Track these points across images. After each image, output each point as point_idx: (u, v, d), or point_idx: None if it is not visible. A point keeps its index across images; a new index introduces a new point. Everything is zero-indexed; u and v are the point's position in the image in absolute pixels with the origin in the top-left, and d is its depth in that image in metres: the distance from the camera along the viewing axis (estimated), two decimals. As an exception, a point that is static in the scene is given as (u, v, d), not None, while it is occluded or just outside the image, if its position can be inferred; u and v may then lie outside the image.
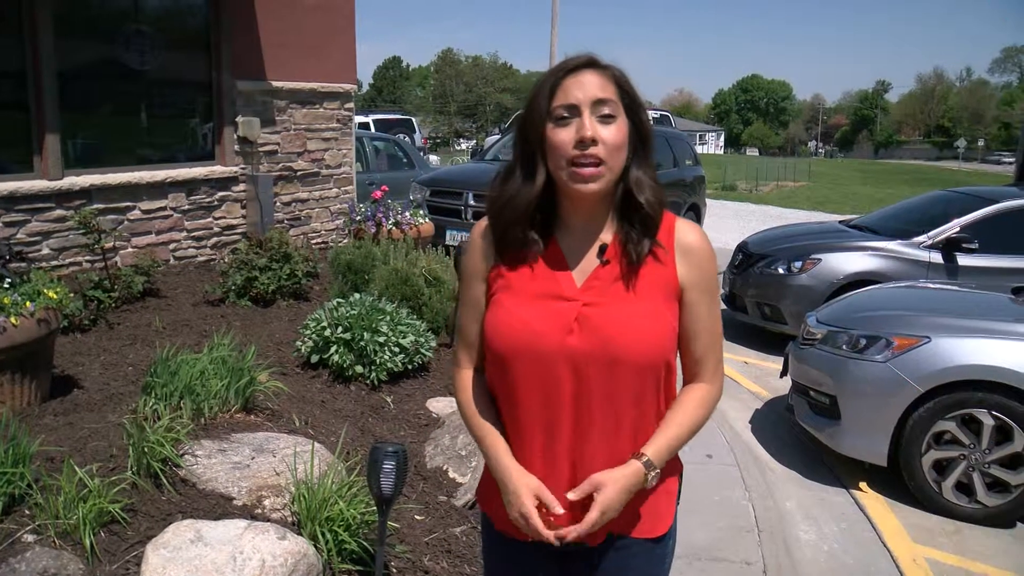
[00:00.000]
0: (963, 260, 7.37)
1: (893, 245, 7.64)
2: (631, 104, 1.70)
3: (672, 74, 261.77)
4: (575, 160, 1.63)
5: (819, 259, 7.67)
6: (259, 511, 3.14)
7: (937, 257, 7.45)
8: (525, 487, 1.70)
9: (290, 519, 3.14)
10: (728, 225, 15.10)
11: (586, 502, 1.69)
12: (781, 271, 7.83)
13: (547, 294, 1.73)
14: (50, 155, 5.74)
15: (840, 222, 9.64)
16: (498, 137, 25.78)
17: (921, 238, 7.59)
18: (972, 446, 4.61)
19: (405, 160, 13.44)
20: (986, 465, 4.59)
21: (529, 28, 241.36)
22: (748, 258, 8.35)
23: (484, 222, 1.83)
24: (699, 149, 55.98)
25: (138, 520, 2.95)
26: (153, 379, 3.58)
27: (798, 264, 7.73)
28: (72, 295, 4.19)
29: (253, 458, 3.41)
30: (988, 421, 4.55)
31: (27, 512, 2.88)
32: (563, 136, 1.64)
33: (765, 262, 8.04)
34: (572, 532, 1.65)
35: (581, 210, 1.74)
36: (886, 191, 33.46)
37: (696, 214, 12.68)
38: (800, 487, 5.02)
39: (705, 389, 1.83)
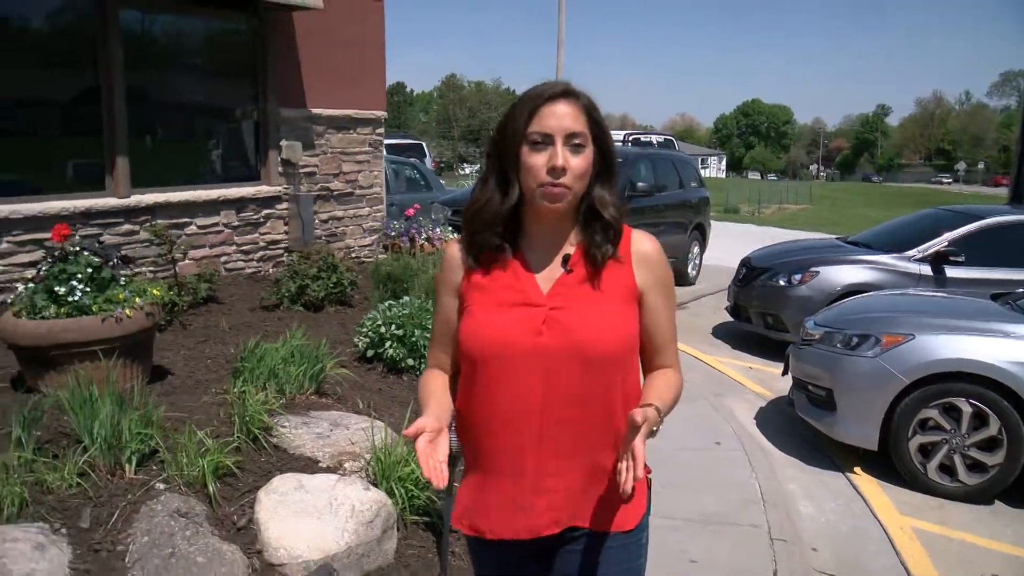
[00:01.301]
0: (951, 272, 7.94)
1: (886, 258, 8.23)
2: (598, 132, 1.84)
3: (674, 98, 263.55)
4: (545, 183, 1.79)
5: (817, 272, 8.26)
6: (341, 472, 3.72)
7: (927, 269, 8.03)
8: (432, 417, 1.77)
9: (368, 479, 3.72)
10: (731, 245, 15.65)
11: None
12: (782, 283, 8.42)
13: (516, 302, 1.86)
14: (120, 175, 6.35)
15: (837, 238, 10.26)
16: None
17: (912, 252, 8.17)
18: (953, 431, 5.17)
19: (423, 182, 14.06)
20: (966, 448, 5.15)
21: (531, 52, 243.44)
22: (751, 272, 8.95)
23: (457, 238, 1.99)
24: (702, 173, 56.86)
25: (245, 474, 3.54)
26: (243, 364, 4.18)
27: (798, 277, 8.32)
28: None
29: (331, 431, 4.00)
30: (967, 408, 5.11)
31: (154, 468, 3.47)
32: (537, 160, 1.78)
33: (767, 275, 8.63)
34: (628, 483, 1.64)
35: (546, 224, 1.89)
36: (886, 213, 34.04)
37: (701, 233, 13.28)
38: (800, 471, 5.59)
39: (672, 371, 1.97)
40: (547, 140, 1.77)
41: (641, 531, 1.97)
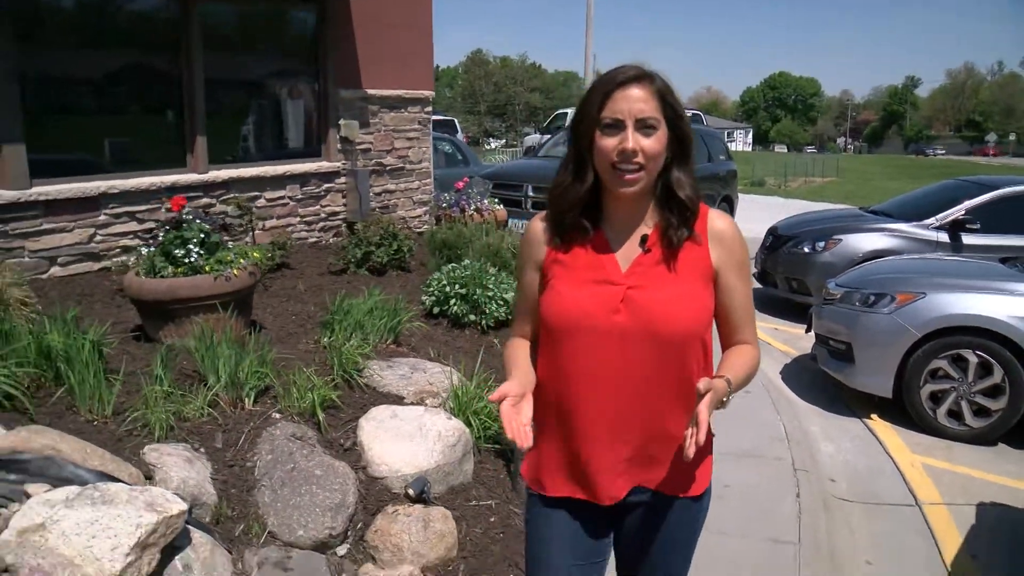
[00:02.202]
0: (967, 239, 8.44)
1: (906, 227, 8.75)
2: (672, 115, 1.89)
3: (700, 72, 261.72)
4: (617, 165, 1.85)
5: (840, 239, 8.79)
6: (424, 406, 4.34)
7: (944, 237, 8.54)
8: (516, 383, 1.88)
9: (447, 411, 4.33)
10: (758, 216, 16.10)
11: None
12: (807, 250, 8.96)
13: (596, 279, 1.93)
14: (199, 153, 6.97)
15: (860, 208, 10.76)
16: (538, 136, 26.84)
17: (930, 220, 8.68)
18: (960, 380, 5.72)
19: (460, 157, 14.65)
20: (972, 395, 5.70)
21: (556, 28, 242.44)
22: (778, 240, 9.49)
23: (540, 216, 2.07)
24: (728, 146, 56.83)
25: (345, 407, 4.17)
26: (332, 317, 4.81)
27: (821, 244, 8.86)
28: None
29: (411, 373, 4.62)
30: (973, 359, 5.66)
31: (268, 401, 4.10)
32: (608, 143, 1.85)
33: (793, 243, 9.17)
34: (691, 448, 1.75)
35: (623, 205, 1.95)
36: (913, 185, 34.15)
37: (729, 205, 13.80)
38: (821, 417, 6.17)
39: (749, 347, 2.04)
40: (618, 124, 1.84)
41: (705, 499, 2.09)
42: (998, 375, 5.60)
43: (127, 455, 3.49)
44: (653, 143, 1.84)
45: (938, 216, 8.68)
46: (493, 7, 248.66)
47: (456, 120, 28.88)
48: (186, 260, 4.54)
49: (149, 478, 3.43)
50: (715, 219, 1.98)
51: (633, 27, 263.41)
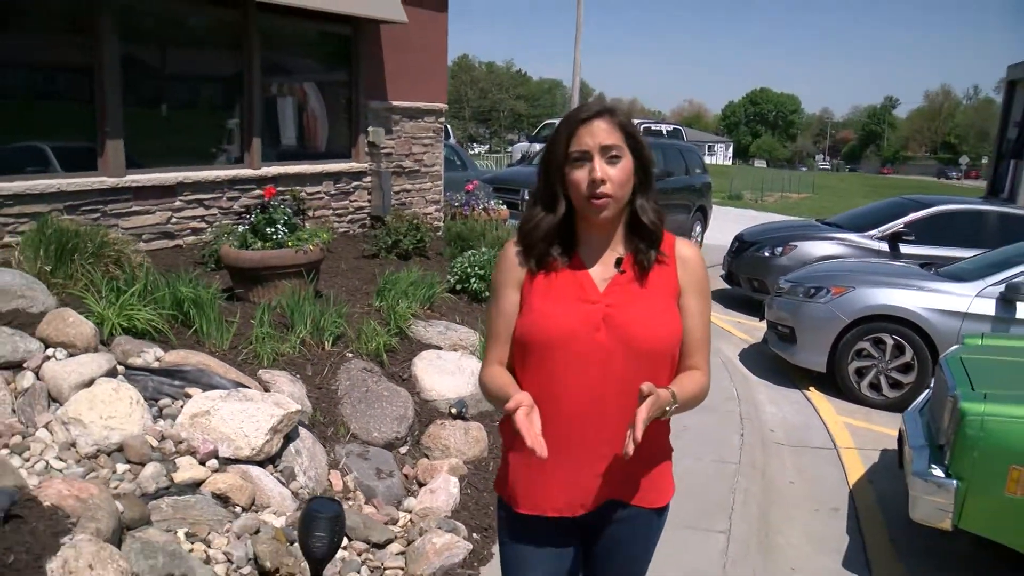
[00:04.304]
0: (904, 249, 9.81)
1: (852, 236, 10.14)
2: (634, 144, 1.98)
3: (683, 85, 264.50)
4: (589, 196, 1.95)
5: (795, 245, 10.18)
6: (459, 352, 5.65)
7: (884, 246, 9.92)
8: (525, 393, 1.90)
9: (477, 357, 5.63)
10: (731, 227, 17.55)
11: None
12: (767, 254, 10.34)
13: (575, 298, 2.01)
14: (255, 152, 8.24)
15: (816, 220, 12.19)
16: (527, 144, 28.10)
17: (873, 232, 10.08)
18: (880, 358, 7.09)
19: (459, 162, 15.93)
20: (888, 371, 7.07)
21: (543, 35, 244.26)
22: (743, 245, 10.88)
23: (513, 241, 2.12)
24: (708, 160, 57.77)
25: (400, 351, 5.47)
26: (384, 285, 6.10)
27: (779, 249, 10.24)
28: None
29: (446, 331, 5.93)
30: (889, 341, 7.03)
31: (342, 344, 5.39)
32: (579, 176, 1.95)
33: (755, 248, 10.57)
34: (629, 445, 1.79)
35: (596, 231, 2.05)
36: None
37: (703, 215, 15.19)
38: (768, 388, 7.53)
39: (701, 375, 2.11)
40: (586, 156, 1.94)
41: (666, 512, 2.20)
42: (909, 355, 6.96)
43: (247, 375, 4.78)
44: (619, 172, 1.95)
45: (880, 228, 10.07)
46: (480, 9, 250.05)
47: (449, 126, 30.09)
48: (273, 236, 5.82)
49: (267, 390, 4.72)
50: (682, 246, 2.10)
51: (616, 38, 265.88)
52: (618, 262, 2.04)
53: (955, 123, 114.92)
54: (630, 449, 1.78)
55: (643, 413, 1.79)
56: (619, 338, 1.97)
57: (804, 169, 76.54)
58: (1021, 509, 3.77)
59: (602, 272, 2.04)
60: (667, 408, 1.90)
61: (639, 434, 1.77)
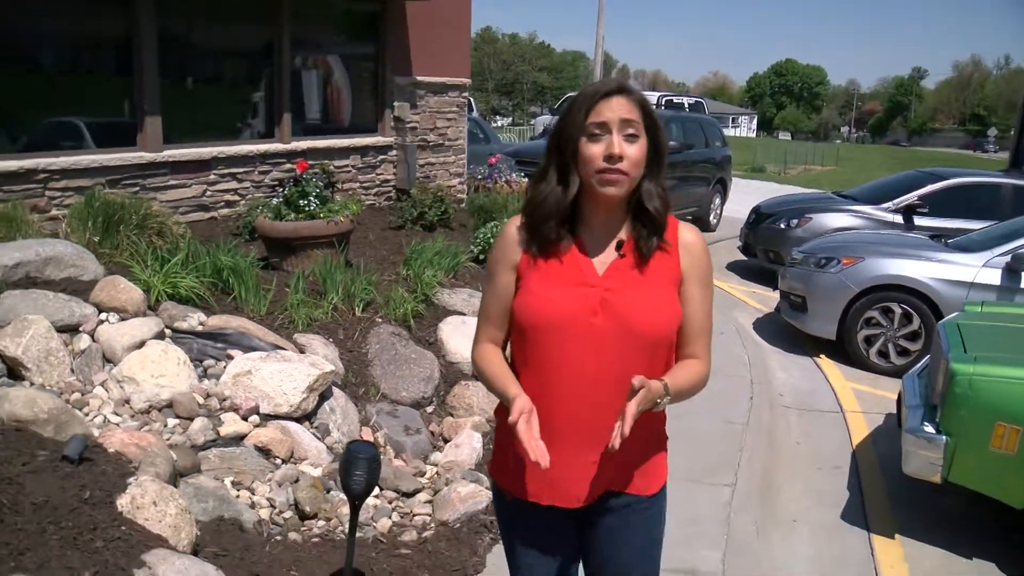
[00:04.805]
0: (917, 221, 10.00)
1: (867, 209, 10.33)
2: (651, 125, 1.95)
3: (707, 56, 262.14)
4: (603, 170, 1.90)
5: (811, 217, 10.38)
6: (480, 321, 5.96)
7: (899, 218, 10.11)
8: (523, 398, 1.89)
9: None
10: (752, 200, 17.71)
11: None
12: (783, 226, 10.55)
13: (574, 281, 1.98)
14: (285, 127, 8.55)
15: (833, 192, 12.37)
16: (549, 117, 28.20)
17: (888, 204, 10.25)
18: (888, 327, 7.33)
19: (482, 135, 16.16)
20: (896, 338, 7.31)
21: (566, 7, 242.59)
22: (759, 217, 11.10)
23: (515, 219, 2.08)
24: (732, 132, 57.85)
25: (425, 317, 5.79)
26: (411, 255, 6.42)
27: (795, 221, 10.45)
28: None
29: (469, 298, 6.24)
30: (898, 310, 7.27)
31: (372, 309, 5.71)
32: (595, 150, 1.90)
33: (771, 219, 10.78)
34: (617, 439, 1.79)
35: (602, 211, 2.00)
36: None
37: (723, 187, 15.33)
38: (780, 355, 7.79)
39: (698, 362, 2.08)
40: (604, 129, 1.90)
41: (662, 498, 2.18)
42: (916, 323, 7.20)
43: (283, 339, 5.12)
44: (636, 150, 1.92)
45: (895, 201, 10.24)
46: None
47: (472, 99, 30.28)
48: (306, 208, 6.13)
49: (302, 352, 5.05)
50: (684, 231, 2.06)
51: (640, 9, 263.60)
52: (619, 245, 2.01)
53: (984, 94, 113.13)
54: (616, 443, 1.79)
55: (632, 407, 1.79)
56: (616, 323, 1.95)
57: (839, 142, 75.82)
58: (1005, 463, 4.05)
59: (603, 255, 2.02)
60: (659, 400, 1.89)
61: (627, 428, 1.78)
